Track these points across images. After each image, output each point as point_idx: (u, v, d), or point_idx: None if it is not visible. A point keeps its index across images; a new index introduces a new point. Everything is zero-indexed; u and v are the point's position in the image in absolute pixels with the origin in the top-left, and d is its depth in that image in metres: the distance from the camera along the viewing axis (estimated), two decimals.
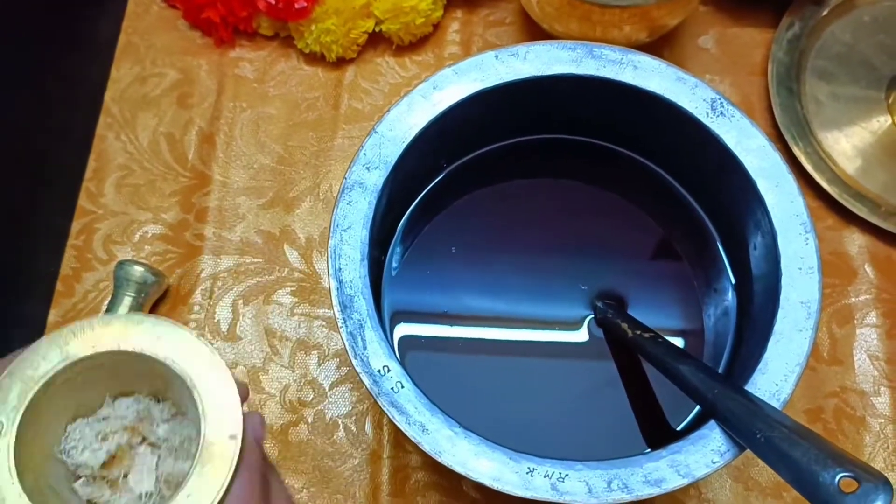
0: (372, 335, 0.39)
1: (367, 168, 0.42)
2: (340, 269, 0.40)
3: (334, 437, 0.50)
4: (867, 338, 0.52)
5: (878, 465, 0.49)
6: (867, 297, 0.53)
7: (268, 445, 0.50)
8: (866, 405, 0.51)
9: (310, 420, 0.50)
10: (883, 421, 0.50)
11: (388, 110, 0.43)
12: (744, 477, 0.49)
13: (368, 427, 0.50)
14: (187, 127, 0.57)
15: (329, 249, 0.40)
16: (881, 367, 0.52)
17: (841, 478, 0.32)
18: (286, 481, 0.49)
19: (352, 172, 0.42)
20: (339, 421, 0.50)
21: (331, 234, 0.40)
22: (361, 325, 0.39)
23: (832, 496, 0.31)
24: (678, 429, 0.44)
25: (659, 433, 0.44)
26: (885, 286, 0.53)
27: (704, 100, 0.43)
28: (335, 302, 0.39)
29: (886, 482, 0.31)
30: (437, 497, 0.49)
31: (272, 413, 0.50)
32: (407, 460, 0.49)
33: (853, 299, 0.53)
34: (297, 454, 0.49)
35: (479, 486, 0.37)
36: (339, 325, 0.39)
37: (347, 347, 0.38)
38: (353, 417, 0.50)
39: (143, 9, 0.61)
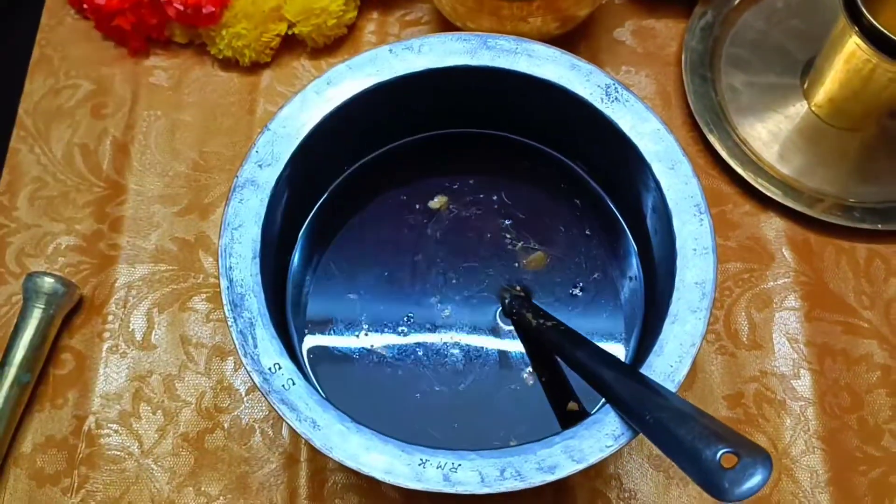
0: (263, 333, 0.38)
1: (260, 166, 0.42)
2: (231, 267, 0.39)
3: (251, 442, 0.49)
4: (786, 321, 0.52)
5: (798, 448, 0.49)
6: (786, 280, 0.53)
7: (184, 454, 0.49)
8: (787, 388, 0.51)
9: (226, 426, 0.50)
10: (803, 404, 0.50)
11: (281, 108, 0.43)
12: (664, 465, 0.49)
13: (285, 431, 0.49)
14: (101, 137, 0.57)
15: (219, 248, 0.40)
16: (801, 350, 0.51)
17: (722, 454, 0.31)
18: (202, 489, 0.48)
19: (243, 170, 0.41)
20: (256, 426, 0.49)
21: (221, 233, 0.40)
22: (252, 323, 0.39)
23: (713, 472, 0.31)
24: (593, 412, 0.43)
25: (574, 418, 0.44)
26: (803, 269, 0.53)
27: (599, 86, 0.43)
28: (225, 301, 0.39)
29: (766, 457, 0.31)
30: (357, 499, 0.48)
31: (188, 421, 0.50)
32: (324, 463, 0.49)
33: (771, 283, 0.53)
34: (213, 461, 0.49)
35: (399, 487, 0.36)
36: (229, 323, 0.38)
37: (237, 346, 0.38)
38: (270, 422, 0.50)
39: (57, 21, 0.61)
